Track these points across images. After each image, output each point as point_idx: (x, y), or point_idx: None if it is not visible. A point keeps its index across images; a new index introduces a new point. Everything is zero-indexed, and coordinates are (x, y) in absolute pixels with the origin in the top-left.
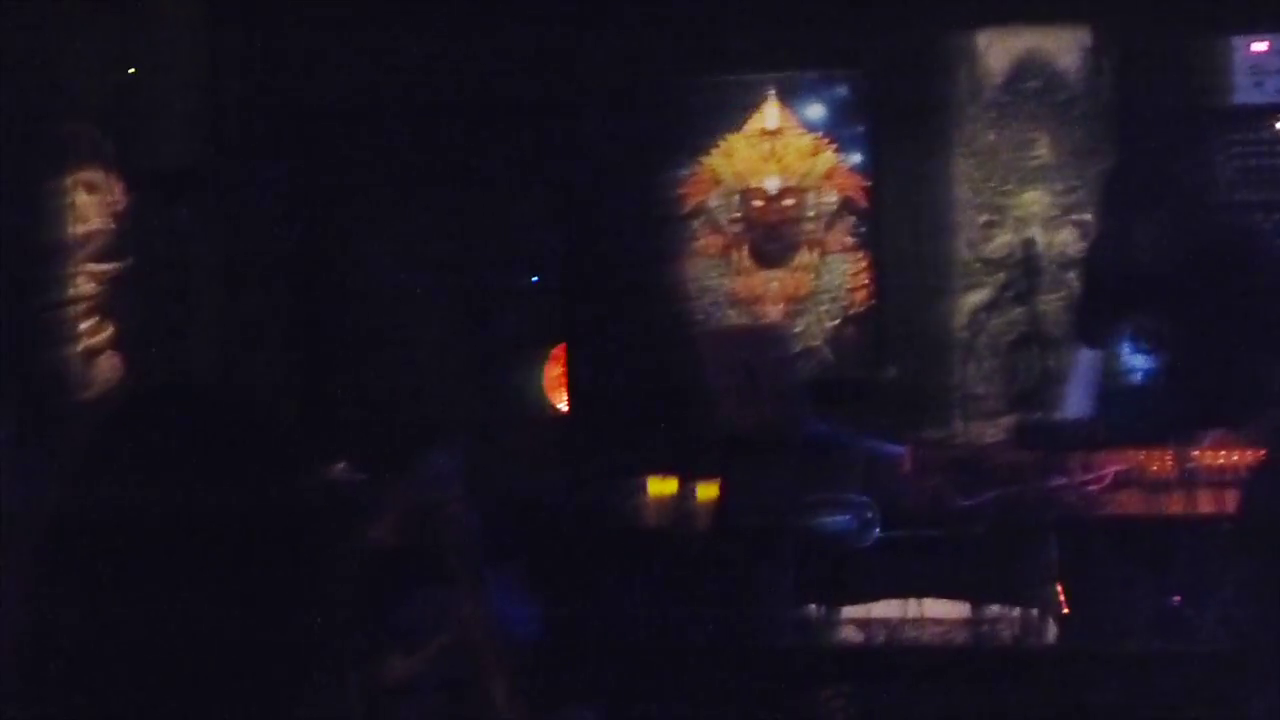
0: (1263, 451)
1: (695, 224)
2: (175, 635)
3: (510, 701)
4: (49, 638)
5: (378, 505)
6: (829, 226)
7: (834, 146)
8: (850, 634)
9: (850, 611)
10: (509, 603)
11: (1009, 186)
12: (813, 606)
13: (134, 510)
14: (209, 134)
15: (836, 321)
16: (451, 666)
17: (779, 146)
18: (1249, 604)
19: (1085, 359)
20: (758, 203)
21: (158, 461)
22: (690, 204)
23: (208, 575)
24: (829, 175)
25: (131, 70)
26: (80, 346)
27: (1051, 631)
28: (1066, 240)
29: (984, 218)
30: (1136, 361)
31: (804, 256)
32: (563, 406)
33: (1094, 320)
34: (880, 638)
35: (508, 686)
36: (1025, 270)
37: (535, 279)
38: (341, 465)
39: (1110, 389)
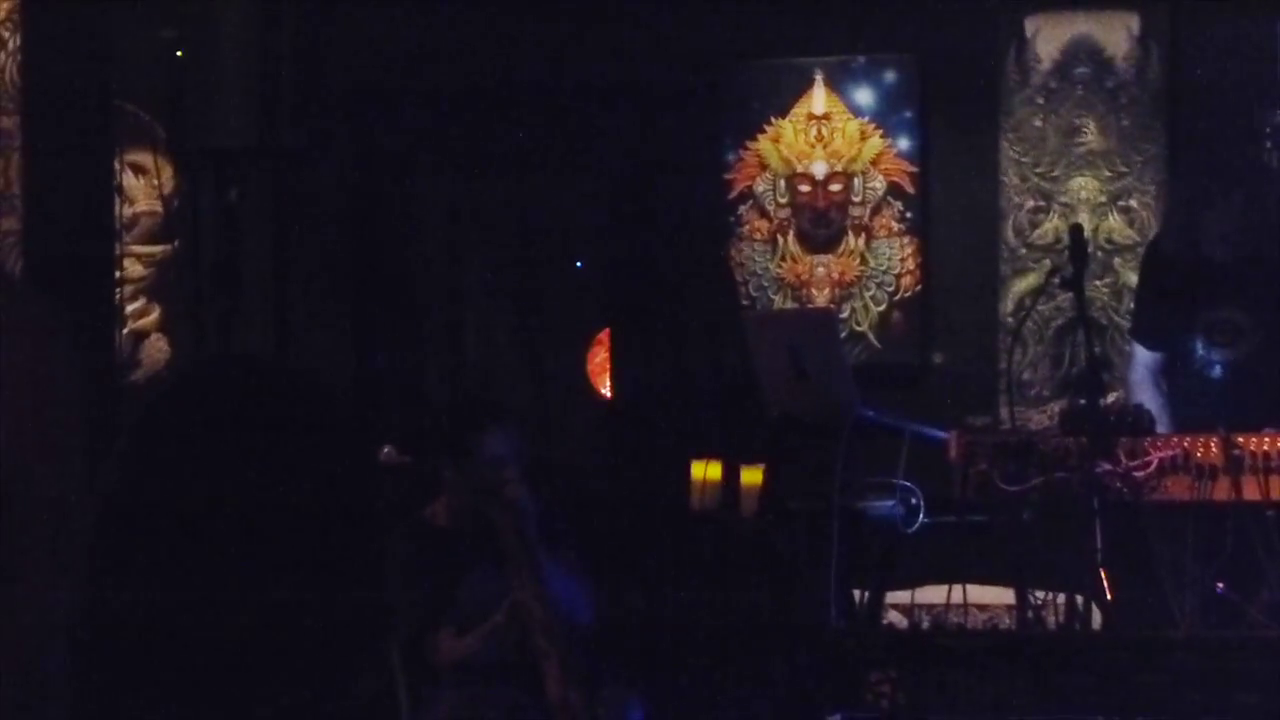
0: None
1: (743, 209)
2: (229, 613)
3: (562, 682)
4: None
5: (436, 486)
6: (876, 212)
7: (881, 131)
8: (895, 619)
9: (895, 596)
10: (563, 585)
11: (1057, 173)
12: (858, 591)
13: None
14: (261, 116)
15: (883, 307)
16: (506, 647)
17: (827, 131)
18: None
19: (1162, 357)
20: (805, 187)
21: (213, 442)
22: (738, 188)
23: (260, 555)
24: (876, 160)
25: (179, 53)
26: (128, 329)
27: (1096, 617)
28: (1114, 226)
29: (1031, 203)
30: (1196, 352)
31: (851, 242)
32: (606, 392)
33: (1143, 309)
34: (925, 623)
35: (560, 667)
36: (1073, 256)
37: (579, 264)
38: (391, 448)
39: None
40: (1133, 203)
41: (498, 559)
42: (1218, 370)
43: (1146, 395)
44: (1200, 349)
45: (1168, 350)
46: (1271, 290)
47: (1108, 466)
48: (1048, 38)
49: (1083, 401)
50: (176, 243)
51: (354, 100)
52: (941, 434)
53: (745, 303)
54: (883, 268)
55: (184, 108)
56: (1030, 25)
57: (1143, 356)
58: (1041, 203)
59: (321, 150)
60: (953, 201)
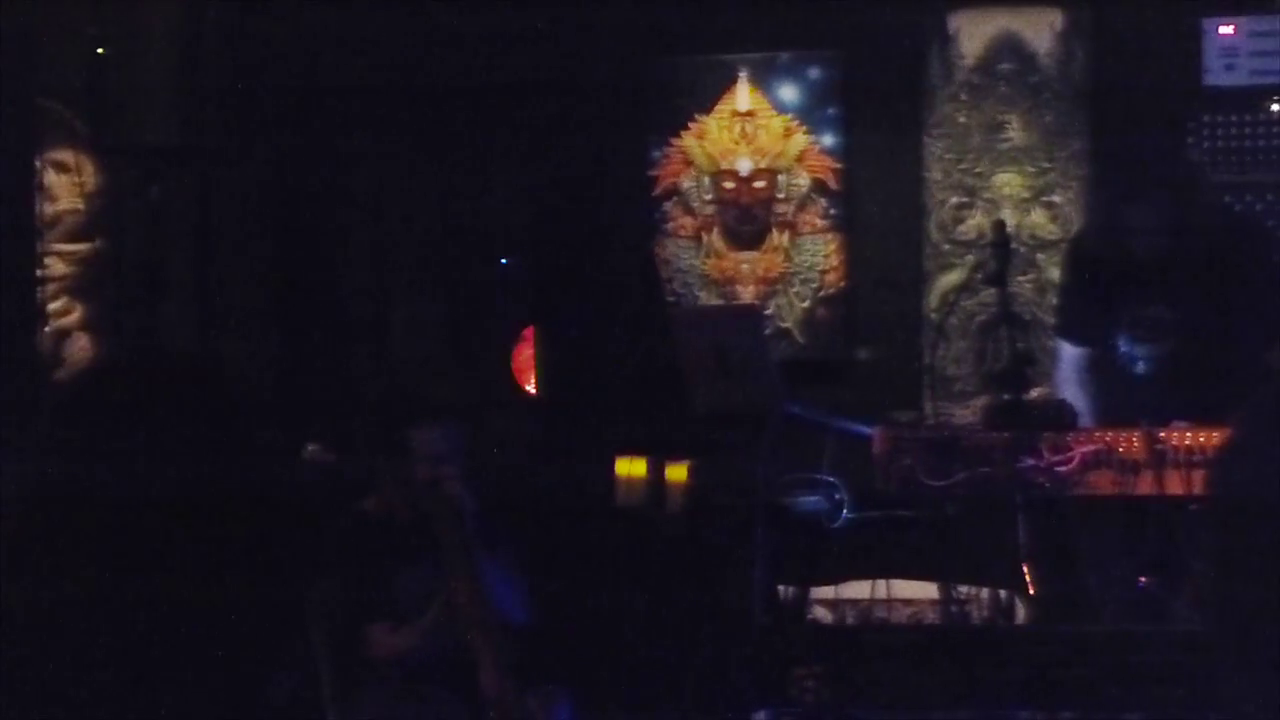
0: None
1: (668, 205)
2: (154, 611)
3: (495, 679)
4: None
5: (373, 481)
6: (801, 208)
7: (806, 128)
8: (821, 614)
9: (821, 592)
10: (499, 582)
11: (980, 169)
12: (784, 586)
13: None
14: (184, 113)
15: (808, 303)
16: (440, 642)
17: (751, 128)
18: (1219, 584)
19: (1086, 353)
20: (730, 185)
21: (138, 438)
22: (663, 185)
23: (188, 551)
24: (801, 157)
25: (102, 50)
26: (50, 327)
27: (1020, 611)
28: (1038, 222)
29: (955, 200)
30: (1143, 353)
31: (776, 238)
32: (531, 388)
33: (1069, 306)
34: (850, 618)
35: (494, 664)
36: (996, 252)
37: (504, 261)
38: (316, 446)
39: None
40: (1056, 199)
41: (434, 555)
42: (1143, 366)
43: (1074, 392)
44: (1125, 345)
45: (1093, 346)
46: (1196, 285)
47: (1031, 461)
48: (971, 34)
49: (1006, 397)
50: (99, 241)
51: (278, 97)
52: (866, 429)
53: (671, 299)
54: (807, 264)
55: (107, 105)
56: (954, 22)
57: (1070, 354)
58: (965, 199)
59: (245, 147)
60: (877, 198)
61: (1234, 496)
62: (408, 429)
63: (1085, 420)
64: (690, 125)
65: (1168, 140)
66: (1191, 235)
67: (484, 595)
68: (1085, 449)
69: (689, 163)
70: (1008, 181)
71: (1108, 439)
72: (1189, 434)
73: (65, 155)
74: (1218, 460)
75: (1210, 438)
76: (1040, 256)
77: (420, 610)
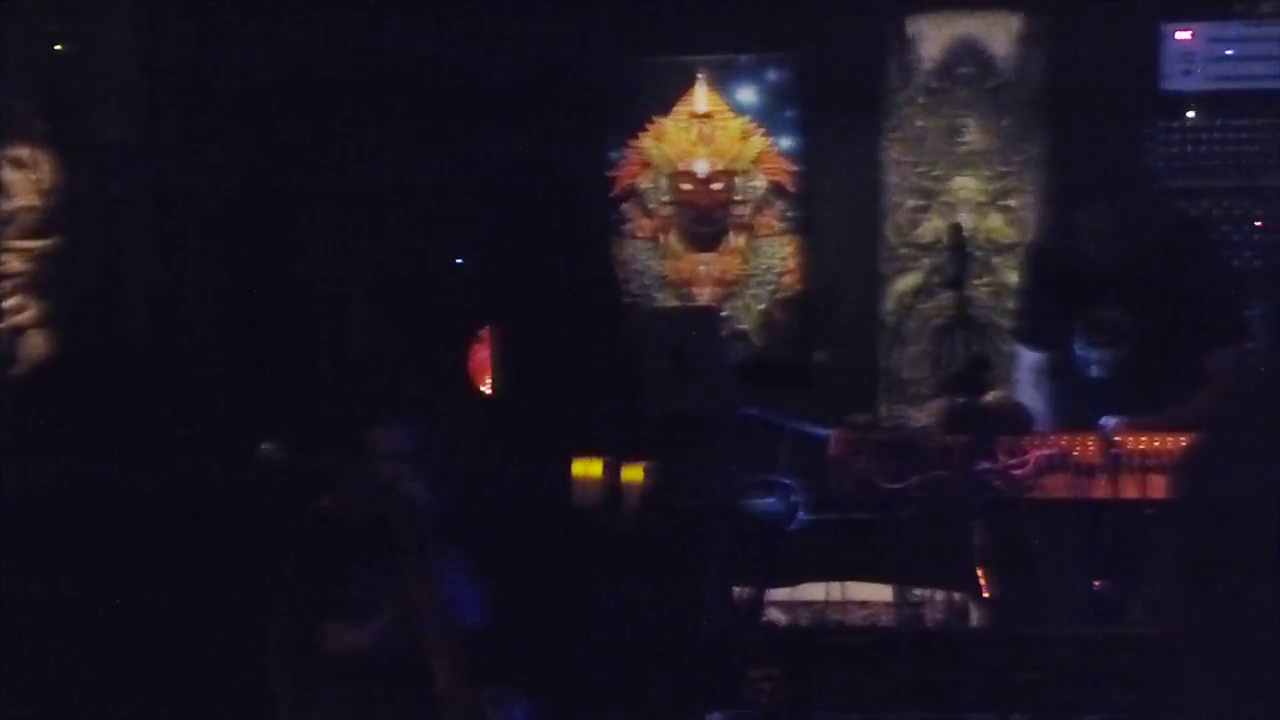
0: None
1: (626, 206)
2: (110, 609)
3: (452, 680)
4: None
5: (330, 480)
6: (758, 210)
7: (764, 131)
8: (776, 616)
9: (776, 594)
10: (456, 583)
11: (938, 172)
12: (739, 589)
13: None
14: (142, 110)
15: (765, 305)
16: (396, 642)
17: (709, 130)
18: (1182, 586)
19: (1044, 357)
20: (687, 186)
21: (94, 436)
22: (621, 186)
23: (144, 549)
24: (759, 159)
25: (60, 46)
26: (6, 324)
27: (975, 614)
28: (995, 226)
29: (913, 203)
30: (1098, 357)
31: (733, 240)
32: (487, 389)
33: (1026, 311)
34: (805, 620)
35: (450, 665)
36: (953, 256)
37: (460, 261)
38: (270, 444)
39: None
40: (1013, 202)
41: (390, 555)
42: (1098, 370)
43: (1033, 397)
44: (1081, 349)
45: (1050, 351)
46: (1151, 290)
47: (987, 465)
48: (930, 38)
49: (962, 400)
50: (56, 237)
51: (236, 95)
52: (822, 432)
53: (628, 300)
54: (765, 266)
55: (65, 102)
56: (912, 25)
57: (1028, 358)
58: (922, 202)
59: (202, 144)
60: (834, 201)
61: (1201, 499)
62: (365, 428)
63: (1044, 425)
64: (648, 127)
65: (1121, 144)
66: (1145, 239)
67: (439, 596)
68: (1040, 452)
69: (647, 164)
70: (965, 185)
71: (1063, 443)
72: (1144, 438)
73: (23, 152)
74: (1184, 462)
75: (1165, 441)
76: (997, 260)
77: (376, 610)
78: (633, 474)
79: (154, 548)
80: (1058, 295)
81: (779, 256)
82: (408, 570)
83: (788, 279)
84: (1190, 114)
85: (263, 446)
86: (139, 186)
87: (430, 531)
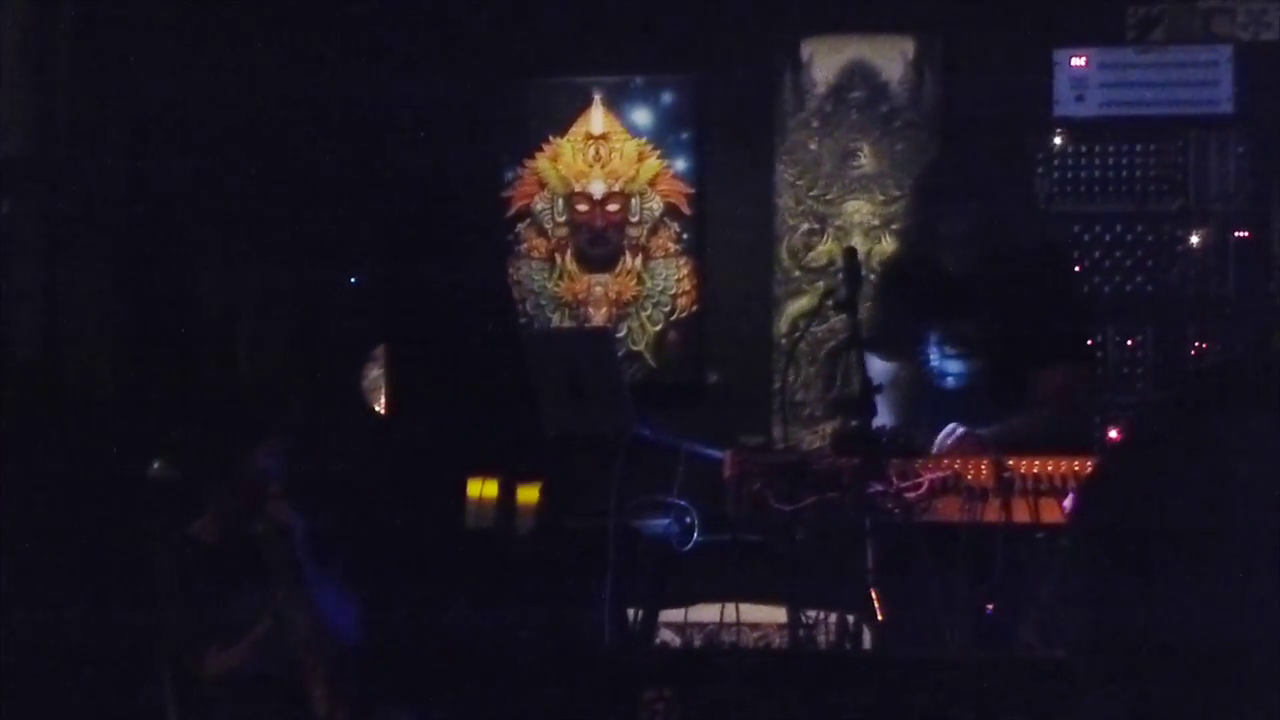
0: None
1: (521, 227)
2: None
3: (328, 699)
4: None
5: (202, 501)
6: (653, 232)
7: (659, 152)
8: (669, 637)
9: (670, 615)
10: (331, 602)
11: (831, 196)
12: (633, 610)
13: None
14: (34, 125)
15: (660, 326)
16: (269, 661)
17: (605, 151)
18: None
19: (896, 366)
20: (583, 207)
21: None
22: (516, 207)
23: (36, 567)
24: (654, 181)
25: None
26: None
27: (867, 637)
28: (888, 250)
29: (806, 226)
30: (948, 368)
31: (628, 261)
32: (381, 408)
33: (879, 320)
34: (698, 641)
35: (326, 684)
36: (846, 279)
37: (354, 280)
38: (161, 462)
39: (922, 395)
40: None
41: (264, 574)
42: (954, 381)
43: (880, 408)
44: (937, 359)
45: (903, 361)
46: (1006, 301)
47: (879, 487)
48: (823, 61)
49: (854, 423)
50: None
51: (130, 111)
52: (716, 453)
53: (522, 320)
54: (659, 288)
55: None
56: (806, 48)
57: (877, 368)
58: (816, 225)
59: (96, 160)
60: (729, 223)
61: (1102, 523)
62: (235, 447)
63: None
64: (544, 147)
65: (1016, 168)
66: (1000, 254)
67: (313, 614)
68: (934, 475)
69: (542, 184)
70: (858, 209)
71: (956, 466)
72: (1038, 462)
73: None
74: (1087, 486)
75: (1058, 466)
76: None
77: (249, 628)
78: (527, 494)
79: (47, 566)
80: (910, 305)
81: (674, 278)
82: (277, 589)
83: (682, 300)
84: (1082, 139)
85: (155, 465)
86: (28, 201)
87: (302, 552)
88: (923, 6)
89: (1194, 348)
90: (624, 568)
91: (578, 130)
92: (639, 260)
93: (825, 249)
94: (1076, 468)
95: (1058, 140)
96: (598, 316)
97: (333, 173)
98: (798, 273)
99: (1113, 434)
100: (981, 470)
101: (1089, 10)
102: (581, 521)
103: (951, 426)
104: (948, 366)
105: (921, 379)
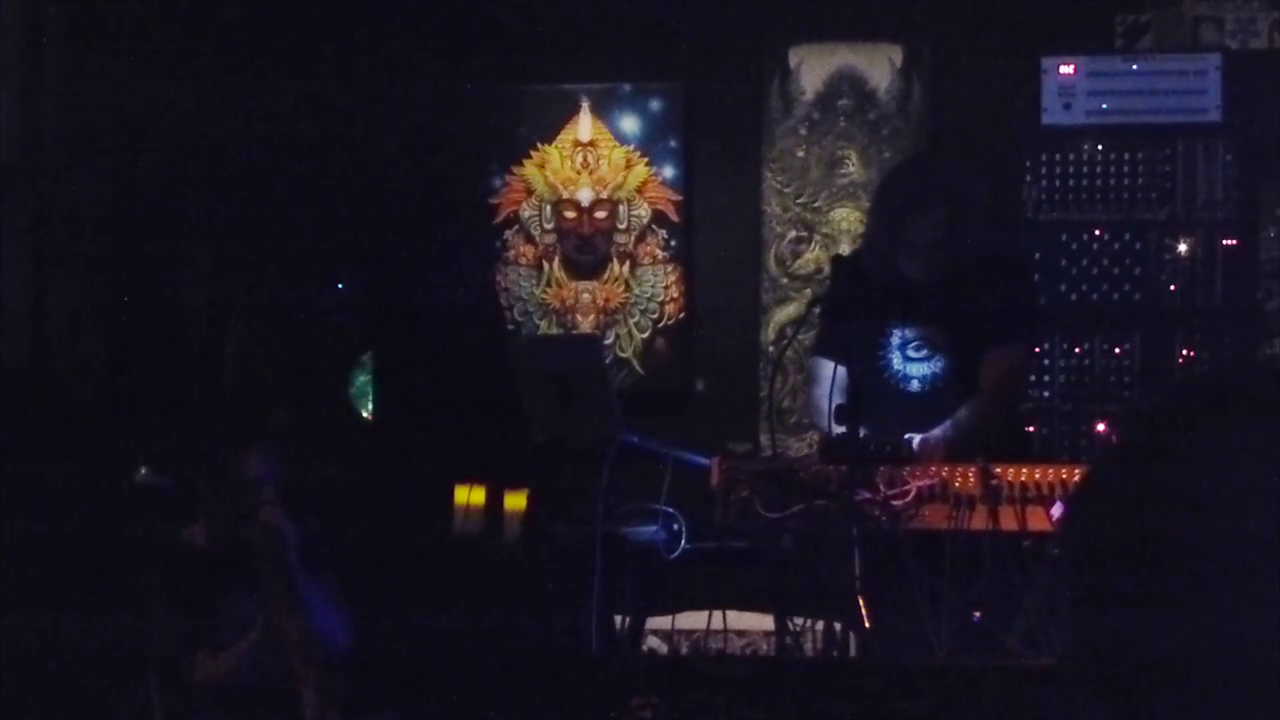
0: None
1: (509, 234)
2: None
3: (319, 705)
4: None
5: (192, 508)
6: (641, 239)
7: (647, 160)
8: (656, 644)
9: (656, 622)
10: (321, 609)
11: (819, 203)
12: (620, 617)
13: None
14: (22, 130)
15: (647, 334)
16: (260, 668)
17: (593, 158)
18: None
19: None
20: (571, 214)
21: None
22: (504, 214)
23: (21, 575)
24: (642, 188)
25: None
26: None
27: (854, 644)
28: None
29: (793, 234)
30: (910, 371)
31: (616, 269)
32: (368, 414)
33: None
34: (685, 648)
35: (317, 691)
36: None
37: (340, 286)
38: (147, 469)
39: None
40: None
41: (255, 581)
42: (914, 385)
43: (824, 415)
44: (896, 364)
45: (856, 365)
46: (964, 307)
47: (867, 495)
48: (811, 69)
49: (842, 430)
50: None
51: (119, 120)
52: (704, 460)
53: (510, 327)
54: (647, 295)
55: None
56: (794, 56)
57: (824, 372)
58: (803, 233)
59: (84, 169)
60: (716, 230)
61: (1093, 533)
62: (225, 452)
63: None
64: (532, 154)
65: (996, 176)
66: (962, 262)
67: (304, 622)
68: (921, 483)
69: (530, 191)
70: (845, 216)
71: (943, 474)
72: (1024, 471)
73: None
74: (1077, 496)
75: (1045, 475)
76: None
77: (240, 635)
78: (515, 501)
79: (34, 573)
80: (870, 309)
81: (661, 285)
82: (268, 597)
83: (670, 307)
84: (1070, 147)
85: (142, 471)
86: (16, 208)
87: (295, 558)
88: (910, 14)
89: (1182, 356)
90: (611, 575)
91: (566, 137)
92: (626, 267)
93: (812, 256)
94: (1064, 476)
95: (1045, 149)
96: (585, 323)
97: (321, 180)
98: (785, 280)
99: (1100, 427)
100: (969, 478)
101: (1077, 18)
102: (569, 528)
103: (908, 437)
104: (910, 370)
105: (882, 384)
